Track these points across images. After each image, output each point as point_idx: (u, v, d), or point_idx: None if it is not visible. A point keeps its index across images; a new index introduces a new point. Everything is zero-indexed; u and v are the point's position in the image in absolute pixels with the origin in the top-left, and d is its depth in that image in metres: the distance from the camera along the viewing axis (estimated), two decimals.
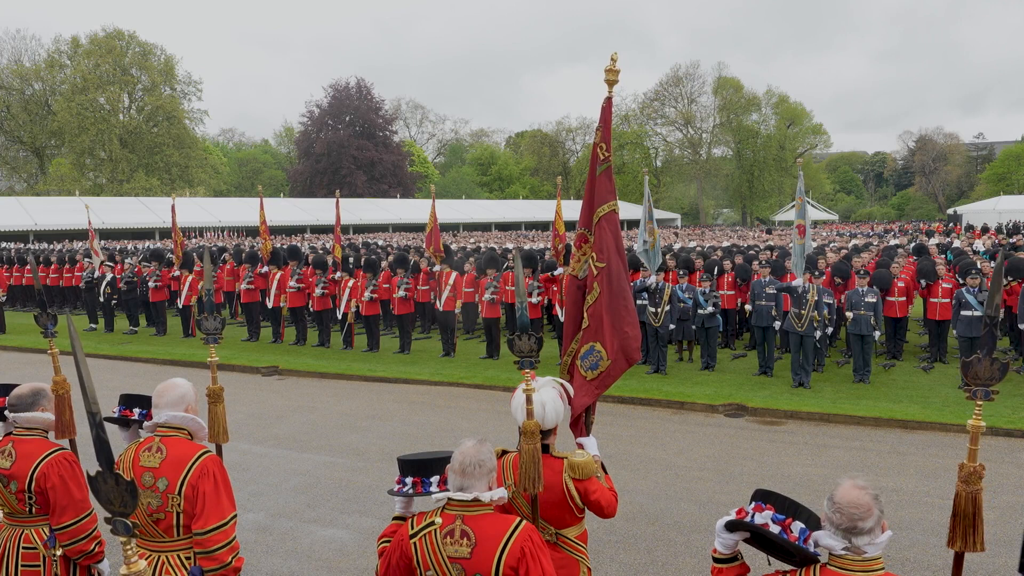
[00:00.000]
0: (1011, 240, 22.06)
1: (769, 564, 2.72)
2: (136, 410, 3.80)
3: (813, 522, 2.58)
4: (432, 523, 2.69)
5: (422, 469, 3.11)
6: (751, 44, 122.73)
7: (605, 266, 3.81)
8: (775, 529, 2.55)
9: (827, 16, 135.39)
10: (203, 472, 3.11)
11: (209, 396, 3.92)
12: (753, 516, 2.61)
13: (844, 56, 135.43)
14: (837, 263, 13.27)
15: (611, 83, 3.78)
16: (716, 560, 2.78)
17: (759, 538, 2.69)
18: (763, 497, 2.64)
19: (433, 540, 2.66)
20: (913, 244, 20.76)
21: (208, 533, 3.06)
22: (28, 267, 22.04)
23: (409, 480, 3.11)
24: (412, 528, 2.74)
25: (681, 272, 13.11)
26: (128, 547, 2.16)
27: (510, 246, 26.31)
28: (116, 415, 3.82)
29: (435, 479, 3.07)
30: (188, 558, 3.13)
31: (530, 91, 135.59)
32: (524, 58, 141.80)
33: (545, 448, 3.29)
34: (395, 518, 3.12)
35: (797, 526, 2.55)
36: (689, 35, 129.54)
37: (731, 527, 2.67)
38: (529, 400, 3.11)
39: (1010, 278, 12.00)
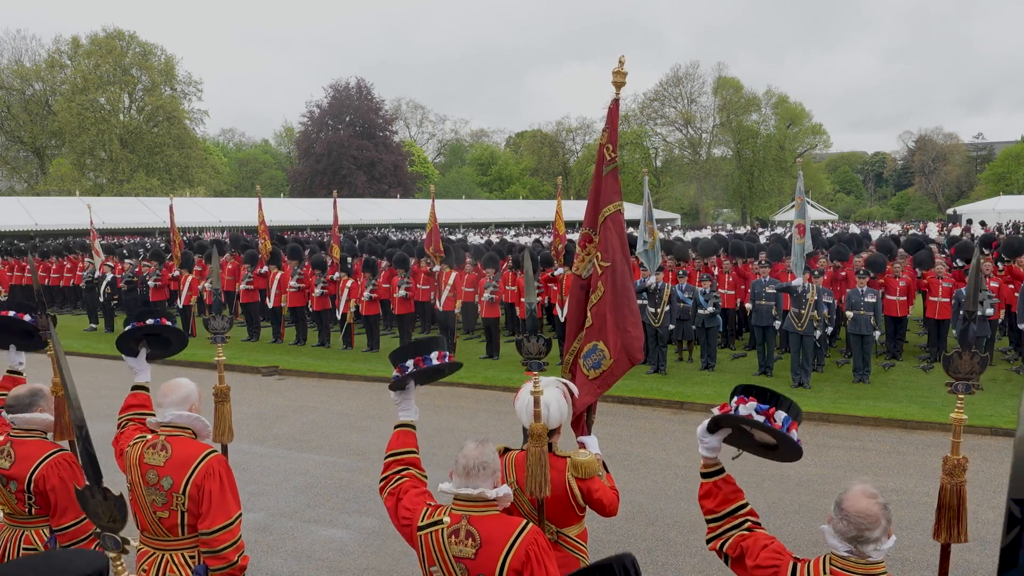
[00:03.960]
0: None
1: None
2: (149, 320, 3.85)
3: (794, 411, 2.62)
4: (440, 521, 2.70)
5: (420, 349, 3.12)
6: (760, 41, 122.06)
7: (610, 266, 3.82)
8: (760, 419, 2.57)
9: (838, 13, 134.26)
10: (208, 472, 3.11)
11: (216, 395, 3.92)
12: (737, 409, 2.62)
13: (853, 53, 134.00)
14: (836, 246, 13.34)
15: (619, 85, 3.80)
16: (704, 475, 2.81)
17: (739, 439, 2.73)
18: (745, 391, 2.66)
19: (439, 538, 2.67)
20: (904, 238, 20.47)
21: (214, 533, 3.07)
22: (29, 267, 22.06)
23: (410, 362, 3.10)
24: (422, 521, 2.75)
25: (680, 273, 13.13)
26: (118, 563, 2.12)
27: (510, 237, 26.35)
28: (131, 327, 3.85)
29: (434, 354, 3.09)
30: (192, 557, 3.14)
31: (535, 89, 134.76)
32: (530, 56, 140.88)
33: (548, 447, 3.29)
34: (399, 425, 3.16)
35: (780, 415, 2.58)
36: (698, 33, 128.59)
37: (715, 424, 2.70)
38: (537, 403, 3.10)
39: (1005, 258, 12.02)
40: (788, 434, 2.55)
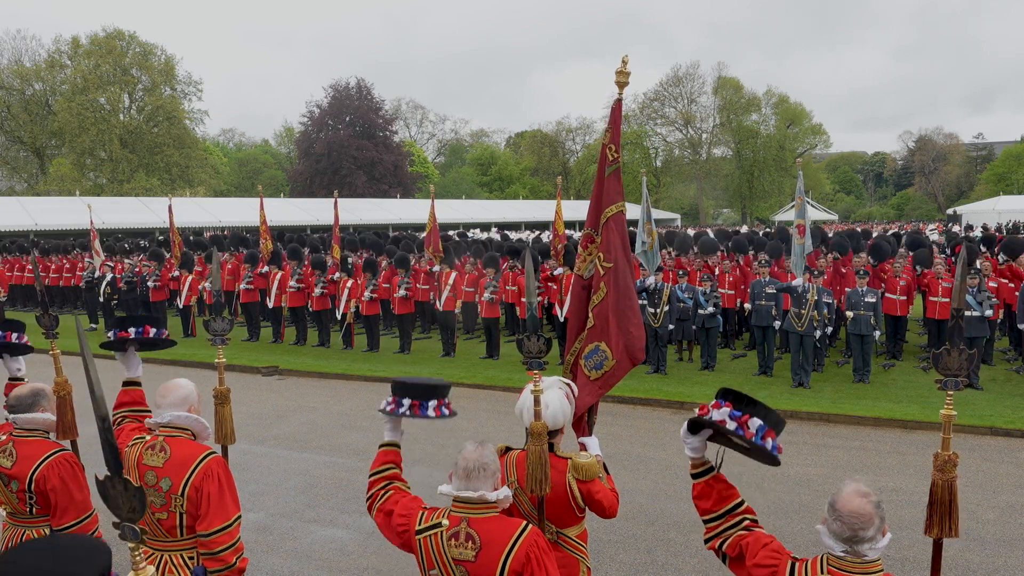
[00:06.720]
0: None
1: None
2: (131, 329, 3.77)
3: (772, 419, 2.56)
4: (439, 524, 2.69)
5: (420, 393, 3.04)
6: (767, 40, 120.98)
7: (612, 266, 3.82)
8: (732, 425, 2.53)
9: (846, 10, 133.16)
10: (207, 474, 3.10)
11: (216, 397, 3.91)
12: (712, 413, 2.59)
13: (860, 52, 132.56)
14: (837, 238, 13.39)
15: (622, 85, 3.80)
16: (695, 475, 2.83)
17: (722, 438, 2.67)
18: (724, 395, 2.62)
19: (439, 541, 2.66)
20: (906, 237, 20.58)
21: (213, 535, 3.06)
22: (30, 266, 22.05)
23: (407, 401, 3.04)
24: (419, 524, 2.74)
25: (680, 273, 13.14)
26: (136, 553, 2.15)
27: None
28: (112, 339, 3.79)
29: (432, 403, 3.01)
30: (191, 558, 3.13)
31: (539, 88, 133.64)
32: (534, 53, 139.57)
33: (550, 447, 3.29)
34: (384, 445, 3.07)
35: (755, 423, 2.52)
36: (705, 30, 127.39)
37: (692, 427, 2.68)
38: (537, 401, 3.10)
39: (1005, 257, 12.08)
40: (762, 443, 2.49)
